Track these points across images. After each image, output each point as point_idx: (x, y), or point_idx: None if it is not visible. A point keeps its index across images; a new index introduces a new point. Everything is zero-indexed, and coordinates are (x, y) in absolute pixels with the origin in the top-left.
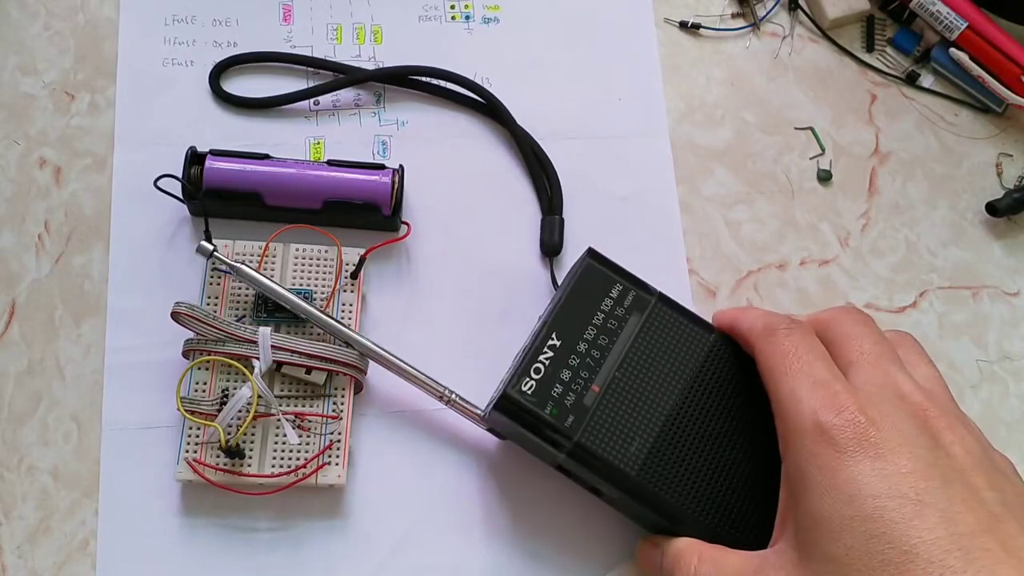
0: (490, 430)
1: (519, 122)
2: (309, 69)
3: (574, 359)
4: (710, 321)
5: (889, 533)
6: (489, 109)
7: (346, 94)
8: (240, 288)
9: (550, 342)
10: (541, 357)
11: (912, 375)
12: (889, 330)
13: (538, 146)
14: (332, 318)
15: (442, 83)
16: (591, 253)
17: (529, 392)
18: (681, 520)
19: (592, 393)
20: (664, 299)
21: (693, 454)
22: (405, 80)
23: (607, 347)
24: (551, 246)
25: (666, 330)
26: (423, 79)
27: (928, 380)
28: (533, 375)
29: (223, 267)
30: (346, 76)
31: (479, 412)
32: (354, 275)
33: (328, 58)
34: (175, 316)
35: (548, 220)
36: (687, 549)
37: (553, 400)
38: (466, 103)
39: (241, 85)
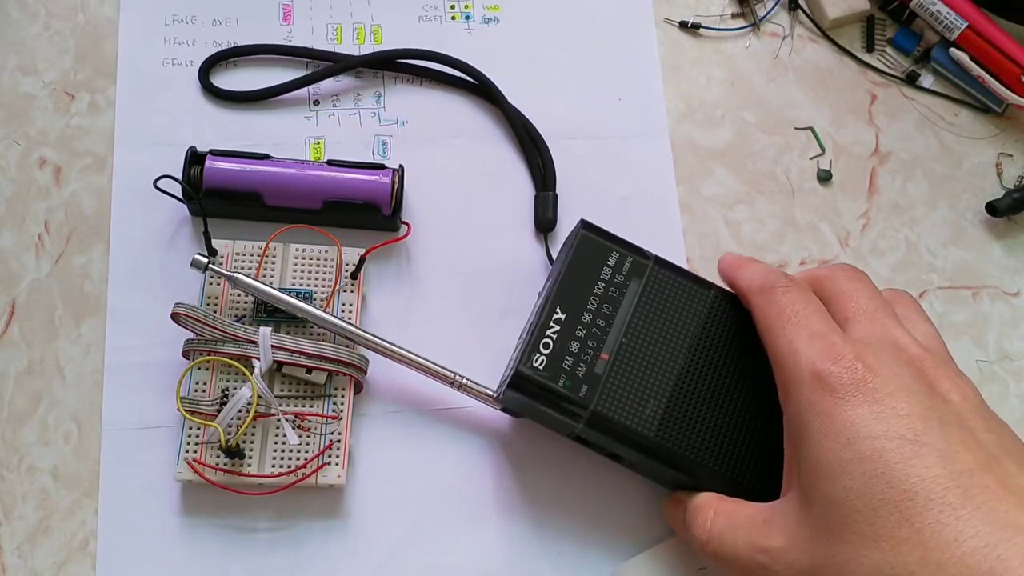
0: (504, 410)
1: None
2: (307, 61)
3: (580, 330)
4: (715, 268)
5: (888, 473)
6: (481, 90)
7: (346, 91)
8: None
9: (555, 316)
10: (548, 332)
11: (910, 331)
12: (888, 288)
13: (529, 123)
14: (338, 318)
15: (433, 65)
16: (584, 224)
17: (541, 367)
18: (701, 475)
19: (602, 361)
20: (660, 261)
21: (708, 408)
22: (396, 64)
23: (611, 315)
24: (545, 221)
25: (666, 291)
26: (413, 62)
27: (926, 337)
28: (542, 350)
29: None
30: (338, 63)
31: (491, 393)
32: (354, 275)
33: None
34: (175, 317)
35: (542, 196)
36: (704, 504)
37: (565, 372)
38: (458, 84)
39: (241, 84)
